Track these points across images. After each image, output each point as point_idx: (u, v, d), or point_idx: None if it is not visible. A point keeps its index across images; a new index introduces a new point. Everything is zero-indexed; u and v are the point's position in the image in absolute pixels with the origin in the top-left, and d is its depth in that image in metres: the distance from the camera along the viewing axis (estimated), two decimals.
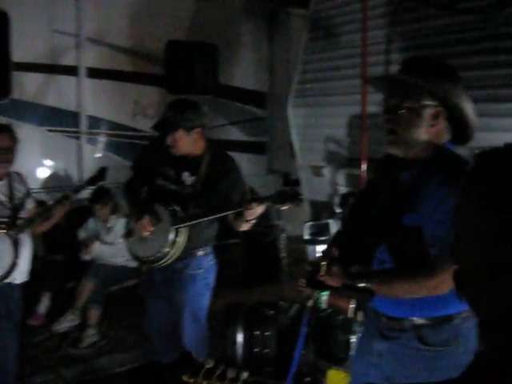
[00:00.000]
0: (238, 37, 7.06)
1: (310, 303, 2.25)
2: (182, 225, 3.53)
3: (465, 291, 0.92)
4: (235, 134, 7.23)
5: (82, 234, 5.71)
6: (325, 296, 2.29)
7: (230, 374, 1.21)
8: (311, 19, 5.82)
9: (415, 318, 2.25)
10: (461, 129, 2.21)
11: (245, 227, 3.52)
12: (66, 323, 5.34)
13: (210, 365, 1.21)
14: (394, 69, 4.88)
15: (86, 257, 5.58)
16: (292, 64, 6.70)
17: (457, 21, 4.46)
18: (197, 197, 3.60)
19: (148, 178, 3.78)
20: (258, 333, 4.41)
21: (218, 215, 3.48)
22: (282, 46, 7.20)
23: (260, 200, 3.30)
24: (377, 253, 2.31)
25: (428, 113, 2.17)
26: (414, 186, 2.20)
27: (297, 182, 6.39)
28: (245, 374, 1.20)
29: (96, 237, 5.63)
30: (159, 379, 1.22)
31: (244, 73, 7.22)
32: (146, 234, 3.59)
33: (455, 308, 2.19)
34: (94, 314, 5.31)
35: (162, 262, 3.59)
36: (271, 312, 4.55)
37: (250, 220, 3.39)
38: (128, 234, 3.80)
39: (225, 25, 6.89)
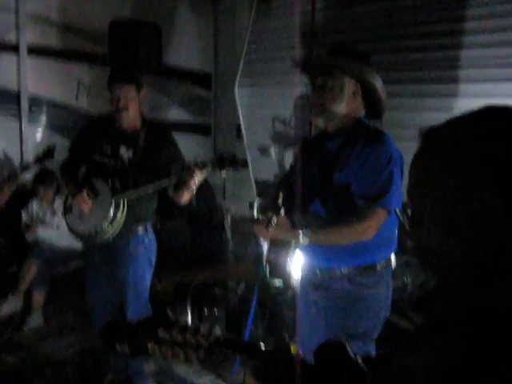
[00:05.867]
0: (183, 16, 6.99)
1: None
2: (122, 197, 3.49)
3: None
4: (180, 114, 7.17)
5: (25, 217, 5.57)
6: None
7: (203, 329, 1.24)
8: None
9: (343, 268, 2.67)
10: (373, 105, 2.67)
11: (186, 197, 3.48)
12: (9, 307, 5.22)
13: (184, 320, 1.22)
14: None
15: (30, 238, 5.45)
16: (238, 44, 6.69)
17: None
18: (135, 170, 3.56)
19: (85, 156, 3.73)
20: (206, 311, 4.44)
21: (158, 185, 3.42)
22: (228, 25, 7.17)
23: (201, 165, 3.28)
24: (310, 207, 2.70)
25: (349, 89, 2.60)
26: (340, 151, 2.63)
27: (242, 163, 6.40)
28: (217, 331, 1.23)
29: (40, 220, 5.51)
30: (132, 335, 1.20)
31: (188, 53, 7.17)
32: (85, 208, 3.55)
33: (377, 256, 2.67)
34: (39, 297, 5.21)
35: (101, 236, 3.56)
36: (219, 290, 4.58)
37: (192, 188, 3.35)
38: (67, 210, 3.74)
39: (169, 4, 6.82)
